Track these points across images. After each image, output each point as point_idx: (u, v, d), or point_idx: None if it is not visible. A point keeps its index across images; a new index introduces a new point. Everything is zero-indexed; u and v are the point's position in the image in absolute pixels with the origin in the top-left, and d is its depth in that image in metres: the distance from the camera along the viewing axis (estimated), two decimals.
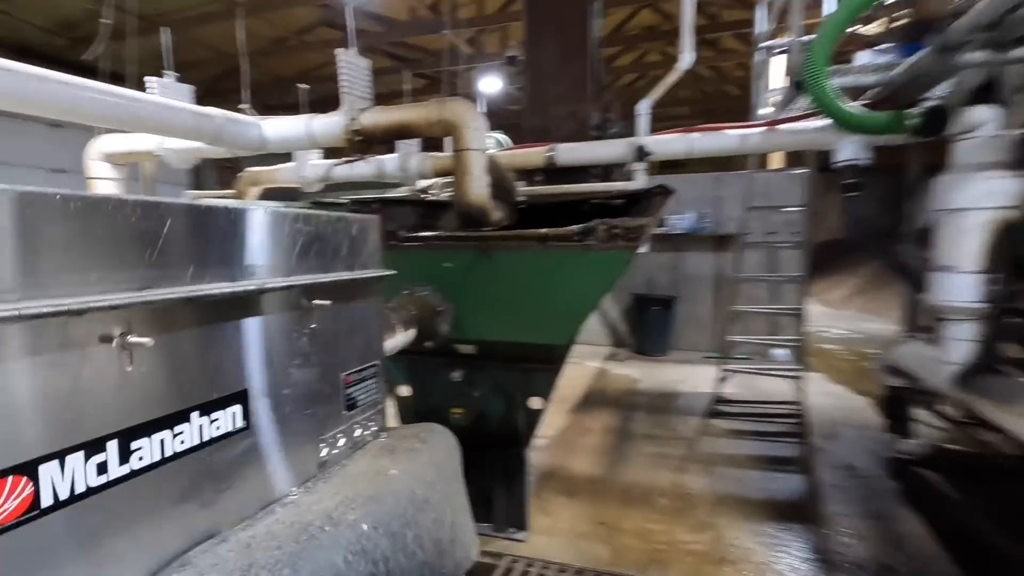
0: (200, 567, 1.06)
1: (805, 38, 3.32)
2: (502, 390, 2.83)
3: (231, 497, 1.22)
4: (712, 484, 3.70)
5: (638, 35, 10.69)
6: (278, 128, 2.99)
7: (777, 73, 4.49)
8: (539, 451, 4.17)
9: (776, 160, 10.65)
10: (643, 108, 3.56)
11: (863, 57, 3.34)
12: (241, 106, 3.55)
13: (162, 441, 1.07)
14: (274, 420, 1.33)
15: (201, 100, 3.01)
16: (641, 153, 3.51)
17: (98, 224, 0.96)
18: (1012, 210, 2.57)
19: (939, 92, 2.87)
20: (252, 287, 1.22)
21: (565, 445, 4.41)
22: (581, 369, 6.63)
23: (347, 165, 3.97)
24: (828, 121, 2.99)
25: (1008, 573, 2.65)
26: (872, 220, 3.80)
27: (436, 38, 8.74)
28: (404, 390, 3.01)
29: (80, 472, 0.93)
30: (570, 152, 3.73)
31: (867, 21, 3.80)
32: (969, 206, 2.65)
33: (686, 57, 3.46)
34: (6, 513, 0.82)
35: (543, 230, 2.37)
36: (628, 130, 3.66)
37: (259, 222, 1.29)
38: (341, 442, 1.57)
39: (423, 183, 4.44)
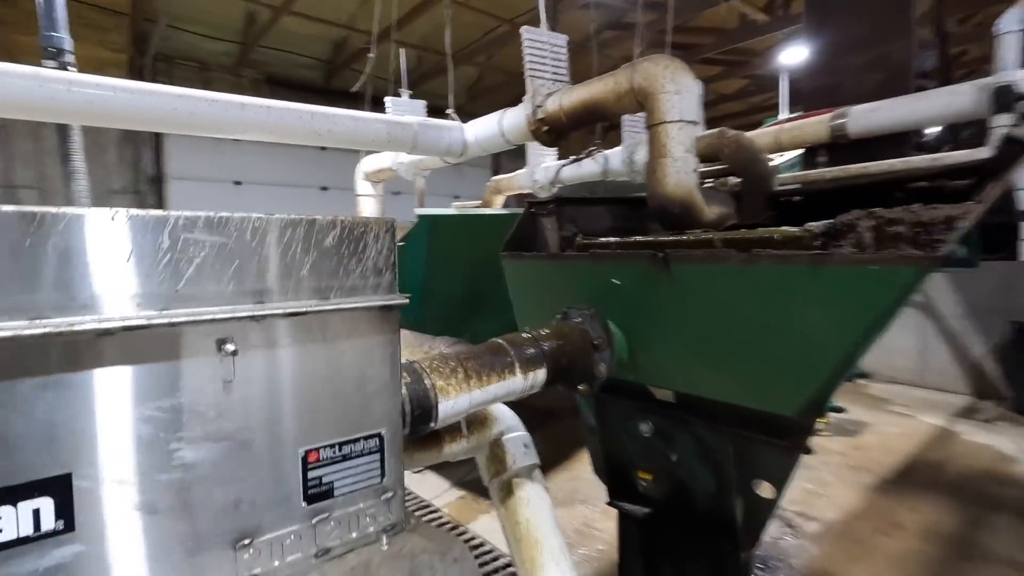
0: None
1: None
2: (710, 459, 1.98)
3: None
4: None
5: None
6: (475, 129, 2.79)
7: None
8: (800, 541, 2.99)
9: None
10: (1010, 22, 2.13)
11: None
12: (447, 111, 3.51)
13: None
14: (133, 519, 0.87)
15: None
16: (1009, 98, 2.10)
17: None
18: None
19: None
20: (86, 326, 0.81)
21: (851, 541, 3.06)
22: (910, 424, 4.74)
23: (574, 164, 3.57)
24: None
25: None
26: None
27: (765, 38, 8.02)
28: (592, 434, 2.42)
29: None
30: (871, 114, 2.50)
31: None
32: None
33: None
34: None
35: (756, 230, 1.49)
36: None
37: (110, 232, 0.84)
38: (294, 550, 1.03)
39: None
